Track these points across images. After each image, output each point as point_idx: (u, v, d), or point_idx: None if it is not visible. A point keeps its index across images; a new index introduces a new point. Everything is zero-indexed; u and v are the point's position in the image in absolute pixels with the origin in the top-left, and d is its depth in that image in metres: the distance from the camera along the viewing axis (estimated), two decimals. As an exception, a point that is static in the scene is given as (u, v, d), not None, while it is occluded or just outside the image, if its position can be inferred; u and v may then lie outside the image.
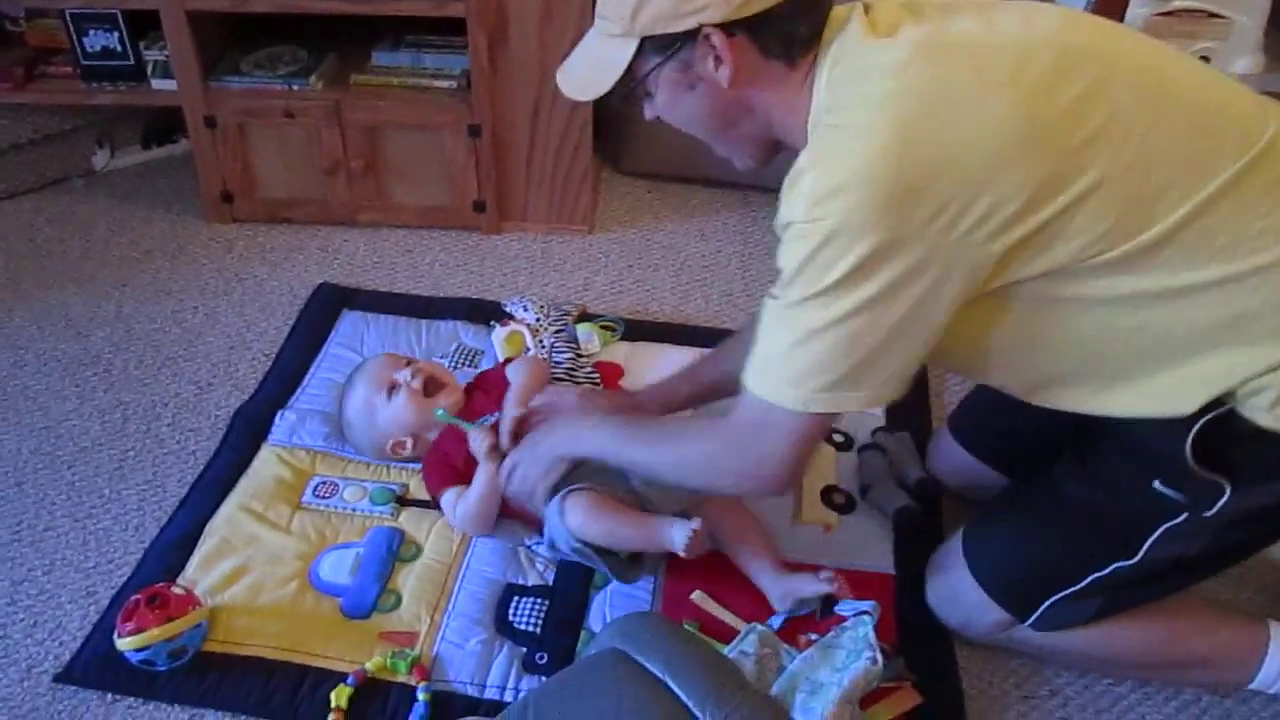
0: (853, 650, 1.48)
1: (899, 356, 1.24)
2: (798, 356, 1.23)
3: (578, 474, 1.59)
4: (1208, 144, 1.20)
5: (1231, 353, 1.23)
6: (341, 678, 1.49)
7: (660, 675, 1.05)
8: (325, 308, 2.27)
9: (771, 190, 1.28)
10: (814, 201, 1.16)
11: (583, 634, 1.57)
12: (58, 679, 1.52)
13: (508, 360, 1.96)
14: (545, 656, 1.54)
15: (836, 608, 1.59)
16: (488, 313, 2.22)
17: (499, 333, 2.04)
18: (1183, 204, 1.17)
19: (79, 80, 2.48)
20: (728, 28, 1.23)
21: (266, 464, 1.85)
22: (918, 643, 1.58)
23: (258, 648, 1.54)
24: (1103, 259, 1.19)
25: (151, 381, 2.10)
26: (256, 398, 2.02)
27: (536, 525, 1.69)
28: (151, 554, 1.70)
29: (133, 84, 2.47)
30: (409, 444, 1.81)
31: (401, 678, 1.51)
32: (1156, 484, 1.32)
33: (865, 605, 1.54)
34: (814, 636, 1.55)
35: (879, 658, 1.44)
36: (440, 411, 1.78)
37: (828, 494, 1.82)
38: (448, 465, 1.75)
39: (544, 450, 1.61)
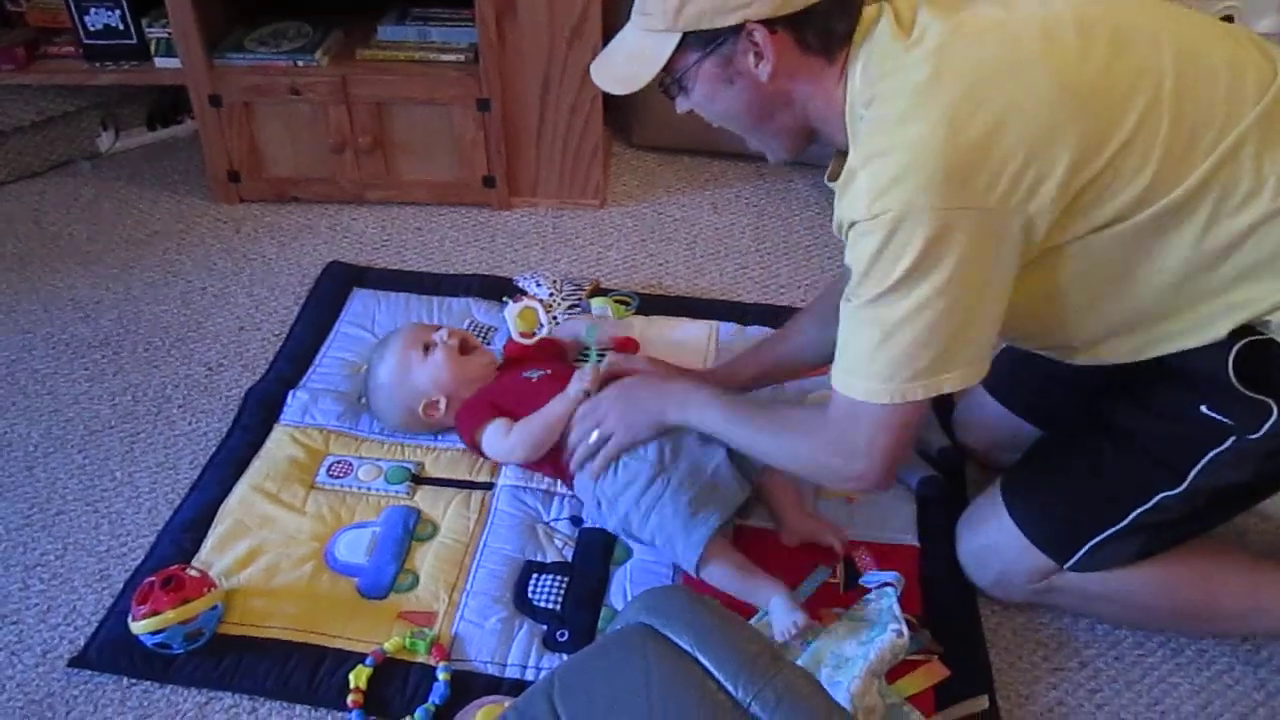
0: (878, 623, 1.46)
1: (981, 330, 1.27)
2: (884, 352, 1.26)
3: (707, 497, 1.57)
4: (1229, 92, 1.24)
5: (1261, 284, 1.26)
6: (360, 658, 1.47)
7: (690, 649, 1.02)
8: (335, 286, 2.24)
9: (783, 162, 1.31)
10: (874, 196, 1.20)
11: (604, 610, 1.56)
12: (72, 663, 1.50)
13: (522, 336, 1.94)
14: (566, 634, 1.52)
15: (861, 579, 1.57)
16: (500, 289, 2.19)
17: (512, 308, 2.01)
18: (1213, 150, 1.22)
19: (81, 60, 2.45)
20: (770, 23, 1.26)
21: (279, 444, 1.82)
22: (944, 615, 1.56)
23: (275, 629, 1.52)
24: (1148, 214, 1.24)
25: (161, 363, 2.08)
26: (268, 377, 2.00)
27: (561, 475, 1.71)
28: (165, 536, 1.68)
29: (136, 63, 2.44)
30: (442, 404, 1.78)
31: (421, 658, 1.49)
32: (1203, 408, 1.33)
33: (889, 576, 1.53)
34: (838, 610, 1.53)
35: (905, 630, 1.42)
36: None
37: (850, 466, 1.79)
38: (489, 404, 1.74)
39: (651, 408, 1.60)
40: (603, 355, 1.83)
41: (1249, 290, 1.27)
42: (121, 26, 2.39)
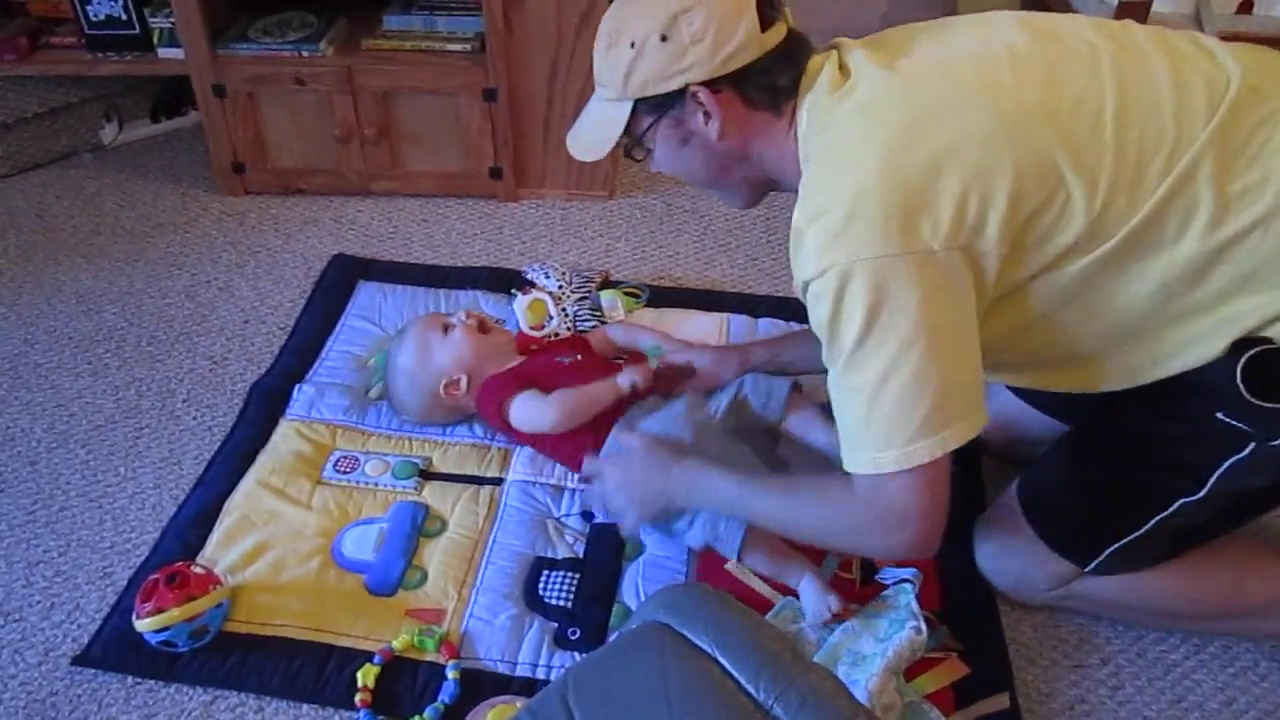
0: (895, 620, 1.45)
1: (964, 375, 1.24)
2: (875, 419, 1.23)
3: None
4: (1177, 114, 1.21)
5: (1252, 299, 1.24)
6: (368, 656, 1.45)
7: (708, 649, 0.99)
8: (341, 279, 2.22)
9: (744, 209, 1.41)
10: (820, 251, 1.20)
11: (616, 607, 1.53)
12: (76, 662, 1.48)
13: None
14: (578, 631, 1.50)
15: (877, 575, 1.55)
16: (508, 281, 2.16)
17: (520, 301, 1.98)
18: (1166, 176, 1.20)
19: (84, 50, 2.43)
20: (713, 84, 1.29)
21: (285, 438, 1.80)
22: (962, 611, 1.53)
23: (281, 627, 1.50)
24: (1108, 247, 1.23)
25: (165, 357, 2.05)
26: (273, 371, 1.98)
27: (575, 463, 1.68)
28: (170, 532, 1.66)
29: (139, 53, 2.42)
30: (464, 382, 1.76)
31: (430, 656, 1.46)
32: (1220, 415, 1.29)
33: (906, 573, 1.51)
34: (854, 606, 1.50)
35: (923, 627, 1.41)
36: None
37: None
38: (520, 376, 1.73)
39: (657, 489, 1.50)
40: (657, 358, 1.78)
41: (1236, 305, 1.24)
42: (124, 16, 2.37)
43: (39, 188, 2.59)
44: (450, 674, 1.42)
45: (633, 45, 1.30)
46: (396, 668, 1.44)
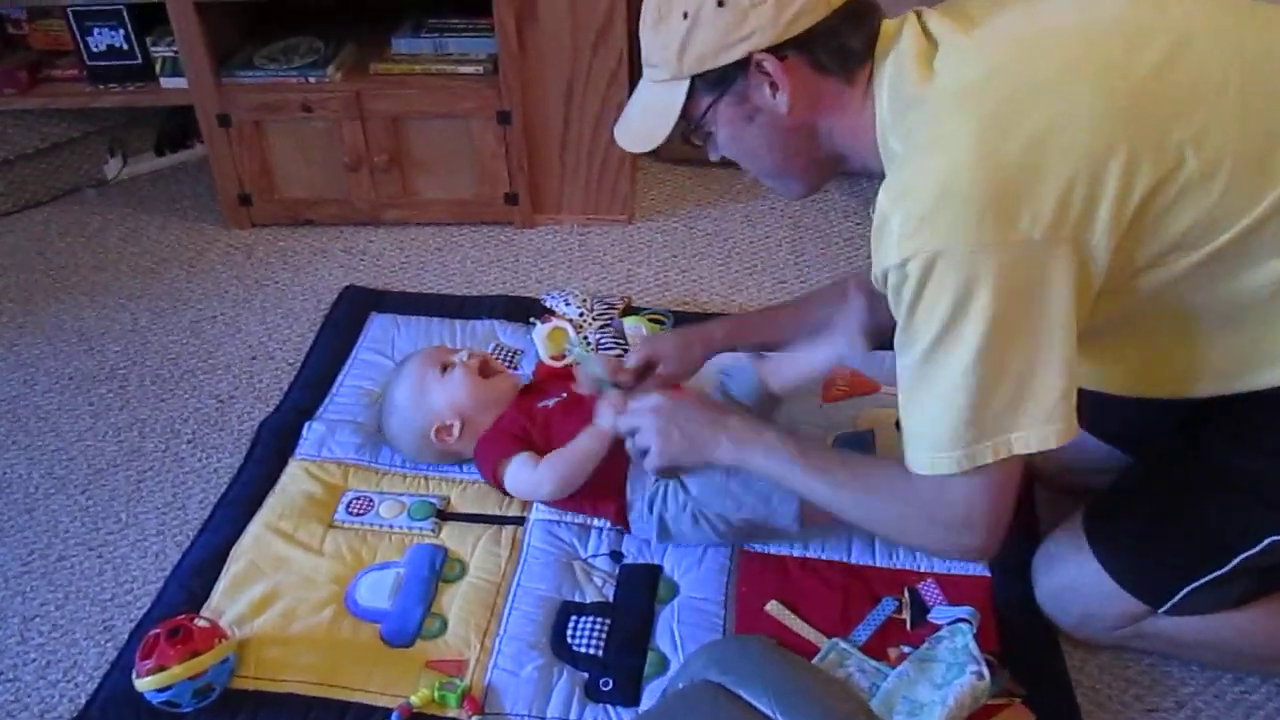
0: (953, 663, 1.36)
1: (1048, 380, 1.13)
2: (947, 414, 1.15)
3: None
4: None
5: None
6: (385, 714, 1.36)
7: (769, 712, 0.89)
8: (352, 311, 2.13)
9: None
10: (906, 237, 1.10)
11: (650, 654, 1.43)
12: (73, 724, 1.38)
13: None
14: (610, 682, 1.40)
15: (929, 614, 1.46)
16: (526, 309, 2.08)
17: (540, 329, 1.89)
18: None
19: (85, 82, 2.37)
20: (778, 50, 1.18)
21: (295, 479, 1.71)
22: (1023, 652, 1.42)
23: (292, 682, 1.40)
24: (1226, 237, 1.12)
25: (169, 397, 1.97)
26: (282, 408, 1.89)
27: (596, 510, 1.61)
28: (173, 582, 1.57)
29: (141, 83, 2.35)
30: (456, 428, 1.66)
31: (451, 711, 1.37)
32: None
33: (962, 611, 1.42)
34: (906, 649, 1.41)
35: (985, 671, 1.32)
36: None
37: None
38: (512, 435, 1.63)
39: (700, 443, 1.43)
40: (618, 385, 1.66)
41: None
42: (125, 46, 2.30)
43: (41, 225, 2.53)
44: (474, 731, 1.33)
45: (685, 15, 1.18)
46: (416, 726, 1.35)
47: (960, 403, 1.13)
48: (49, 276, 2.33)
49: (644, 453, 1.47)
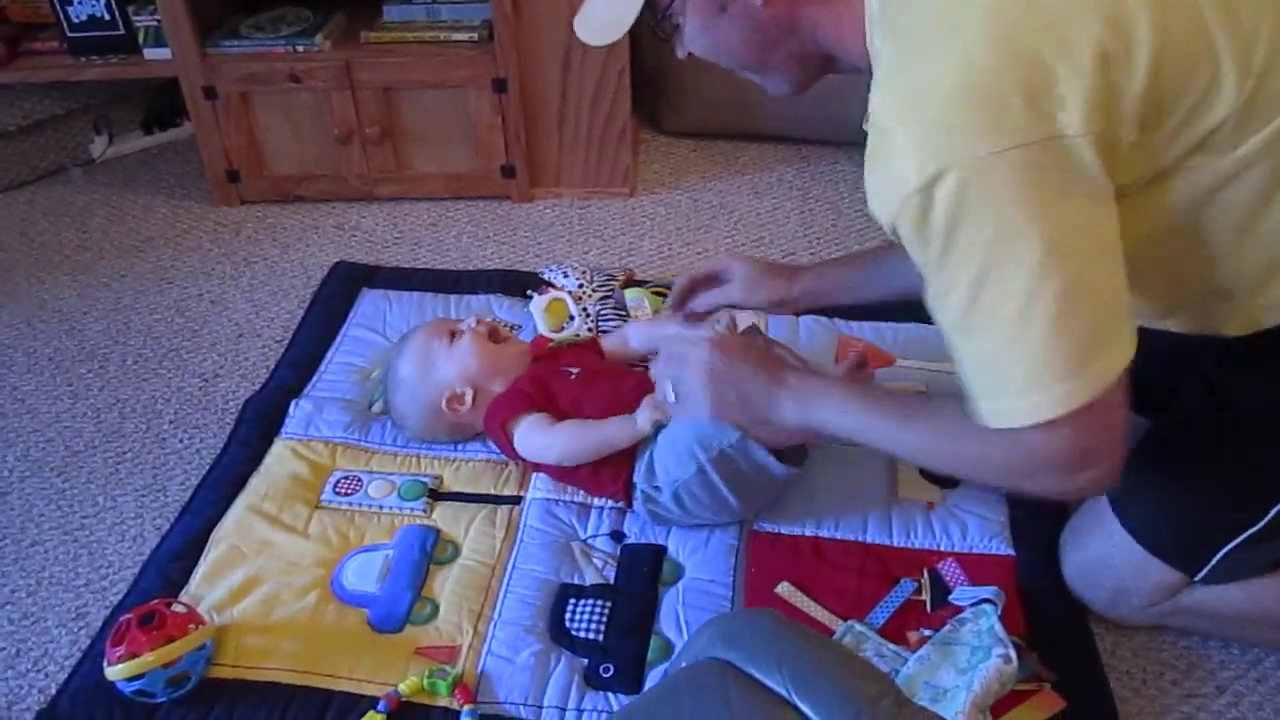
0: (977, 647, 1.29)
1: (1117, 283, 1.01)
2: (1030, 353, 1.01)
3: None
4: None
5: None
6: (372, 703, 1.28)
7: (783, 692, 0.79)
8: (343, 287, 2.05)
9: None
10: (920, 150, 0.97)
11: (654, 640, 1.35)
12: (41, 716, 1.30)
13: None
14: (611, 668, 1.32)
15: (951, 596, 1.38)
16: (523, 284, 1.99)
17: (538, 301, 1.80)
18: None
19: (66, 55, 2.28)
20: None
21: (280, 459, 1.63)
22: (1051, 635, 1.35)
23: (273, 670, 1.33)
24: (1259, 138, 1.01)
25: (151, 376, 1.89)
26: (268, 387, 1.81)
27: (596, 489, 1.53)
28: (150, 567, 1.49)
29: (124, 55, 2.27)
30: (468, 397, 1.59)
31: (442, 700, 1.29)
32: None
33: (987, 592, 1.35)
34: (927, 632, 1.34)
35: (1012, 655, 1.25)
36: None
37: (927, 465, 1.58)
38: (527, 395, 1.55)
39: (757, 403, 1.31)
40: None
41: None
42: (107, 16, 2.22)
43: (24, 204, 2.45)
44: (466, 721, 1.25)
45: None
46: (404, 716, 1.27)
47: (1033, 336, 0.99)
48: (30, 256, 2.25)
49: (677, 400, 1.37)
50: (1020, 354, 1.01)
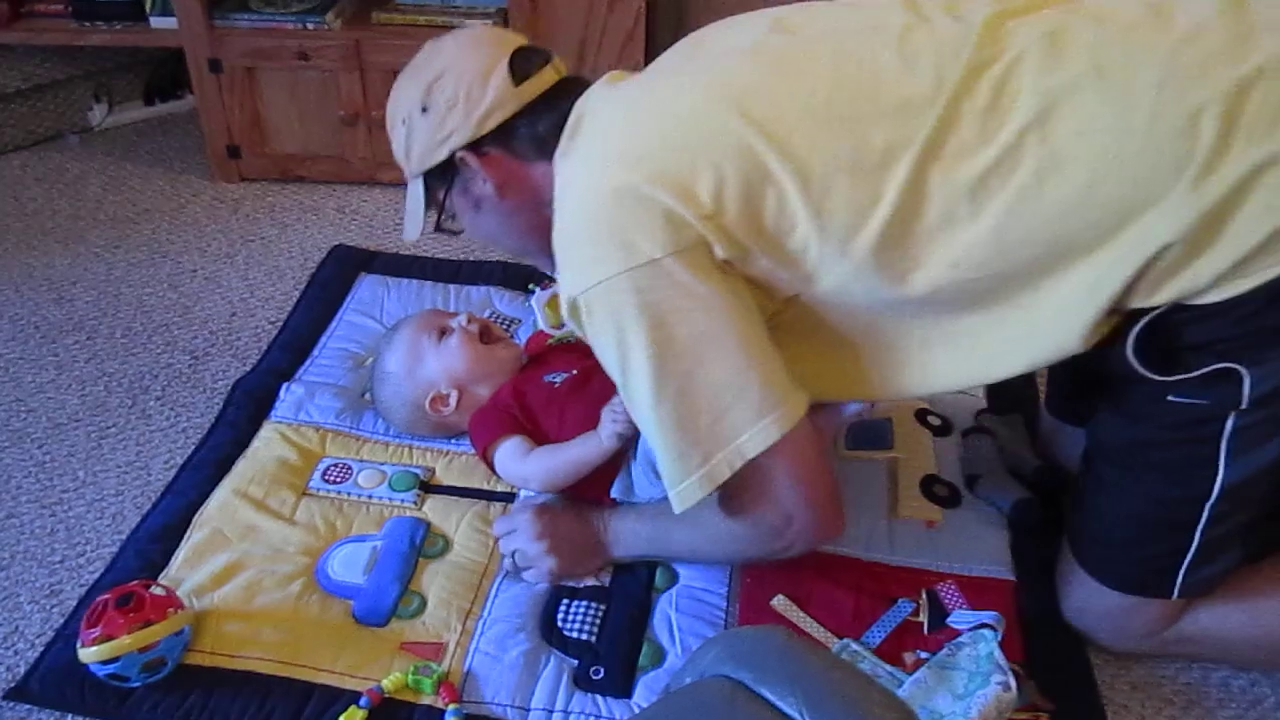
0: (975, 672, 1.27)
1: (743, 377, 1.16)
2: (669, 445, 1.17)
3: None
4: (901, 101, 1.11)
5: (1085, 270, 1.10)
6: (353, 698, 1.26)
7: (796, 716, 0.76)
8: (340, 271, 2.03)
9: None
10: (562, 282, 1.19)
11: (645, 646, 1.33)
12: (9, 696, 1.28)
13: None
14: (601, 670, 1.30)
15: (949, 619, 1.36)
16: (526, 277, 1.97)
17: (540, 296, 1.76)
18: (902, 157, 1.09)
19: (70, 19, 2.27)
20: (479, 146, 1.28)
21: (268, 443, 1.61)
22: (1050, 663, 1.32)
23: (252, 660, 1.31)
24: (870, 242, 1.12)
25: (140, 350, 1.86)
26: (259, 368, 1.78)
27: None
28: (130, 547, 1.46)
29: (130, 23, 2.26)
30: (453, 399, 1.57)
31: (426, 698, 1.27)
32: (1171, 398, 1.16)
33: (986, 617, 1.32)
34: (923, 655, 1.32)
35: (1011, 682, 1.23)
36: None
37: (928, 485, 1.57)
38: (507, 415, 1.52)
39: (592, 552, 1.44)
40: None
41: (1082, 276, 1.10)
42: (114, -19, 2.19)
43: (18, 170, 2.42)
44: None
45: (404, 122, 1.31)
46: (386, 713, 1.25)
47: (671, 430, 1.16)
48: (21, 222, 2.22)
49: (526, 569, 1.43)
50: (669, 446, 1.17)
